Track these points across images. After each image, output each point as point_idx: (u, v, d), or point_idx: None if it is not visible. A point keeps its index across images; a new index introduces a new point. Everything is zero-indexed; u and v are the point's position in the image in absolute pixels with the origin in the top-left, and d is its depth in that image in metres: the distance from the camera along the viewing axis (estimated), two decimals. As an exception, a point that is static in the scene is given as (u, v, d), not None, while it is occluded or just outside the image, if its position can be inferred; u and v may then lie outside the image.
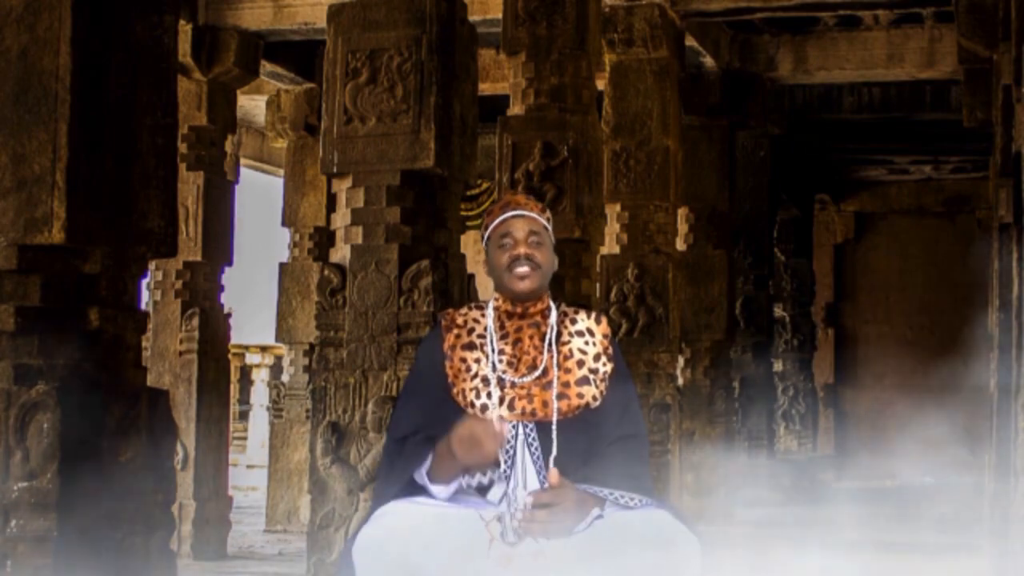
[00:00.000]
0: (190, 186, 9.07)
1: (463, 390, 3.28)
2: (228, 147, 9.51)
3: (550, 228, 3.43)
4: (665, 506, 3.17)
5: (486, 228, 3.41)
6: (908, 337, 17.53)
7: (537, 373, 3.30)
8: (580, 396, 3.29)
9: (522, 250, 3.34)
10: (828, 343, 17.73)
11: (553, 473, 3.08)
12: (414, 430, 3.27)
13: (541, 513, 3.03)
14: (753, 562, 8.05)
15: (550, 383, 3.29)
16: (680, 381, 10.45)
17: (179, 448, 8.74)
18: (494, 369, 3.30)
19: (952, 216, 17.82)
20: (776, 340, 14.62)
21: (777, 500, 12.14)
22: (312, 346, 8.95)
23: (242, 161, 12.14)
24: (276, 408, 11.49)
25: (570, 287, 7.19)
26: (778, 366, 14.87)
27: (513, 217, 3.37)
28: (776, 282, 14.38)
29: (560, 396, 3.28)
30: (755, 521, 10.88)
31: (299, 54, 10.83)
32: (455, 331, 3.37)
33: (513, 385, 3.28)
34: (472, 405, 3.26)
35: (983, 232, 15.30)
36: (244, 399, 18.06)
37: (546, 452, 3.23)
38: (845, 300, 18.23)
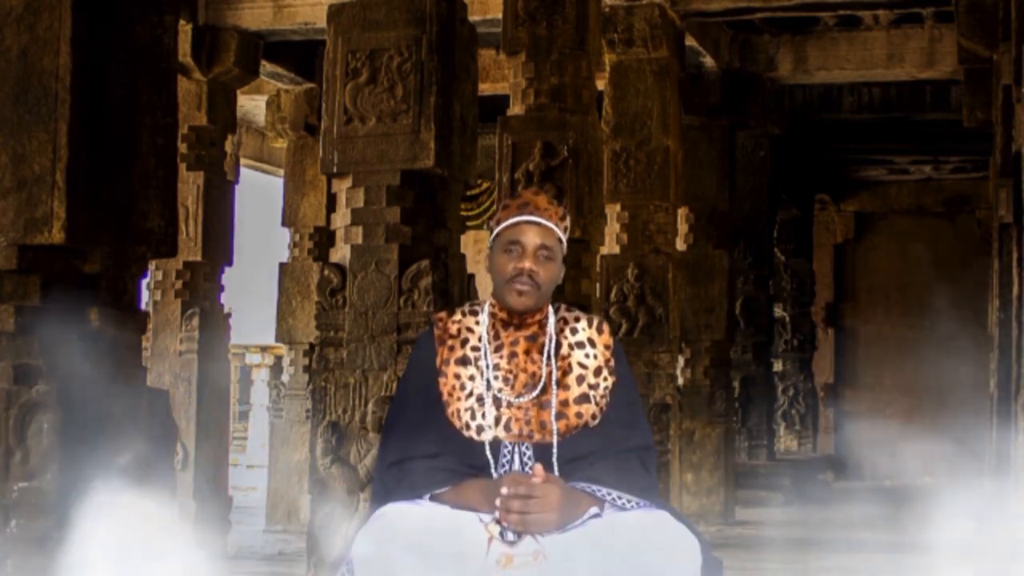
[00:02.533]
0: (190, 186, 9.07)
1: (457, 410, 3.13)
2: (228, 147, 9.52)
3: (565, 240, 3.21)
4: (665, 507, 3.13)
5: (498, 223, 3.19)
6: (908, 337, 17.52)
7: (535, 393, 3.14)
8: (579, 416, 3.15)
9: (527, 264, 3.14)
10: (828, 343, 17.73)
11: (538, 468, 2.98)
12: (407, 456, 3.13)
13: (516, 503, 2.94)
14: (753, 563, 8.05)
15: (548, 402, 3.13)
16: (680, 381, 10.45)
17: (179, 448, 8.74)
18: (488, 387, 3.14)
19: (952, 216, 17.81)
20: (776, 340, 14.62)
21: (777, 500, 12.15)
22: (312, 346, 8.95)
23: (242, 161, 12.14)
24: (276, 408, 11.49)
25: (570, 287, 7.19)
26: (778, 366, 14.88)
27: (527, 223, 3.16)
28: (776, 282, 14.38)
29: (558, 416, 3.13)
30: (755, 521, 10.88)
31: (299, 54, 10.83)
32: (448, 343, 3.20)
33: (509, 405, 3.13)
34: (467, 427, 3.12)
35: (983, 232, 15.31)
36: (244, 399, 18.08)
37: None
38: (845, 300, 18.22)
